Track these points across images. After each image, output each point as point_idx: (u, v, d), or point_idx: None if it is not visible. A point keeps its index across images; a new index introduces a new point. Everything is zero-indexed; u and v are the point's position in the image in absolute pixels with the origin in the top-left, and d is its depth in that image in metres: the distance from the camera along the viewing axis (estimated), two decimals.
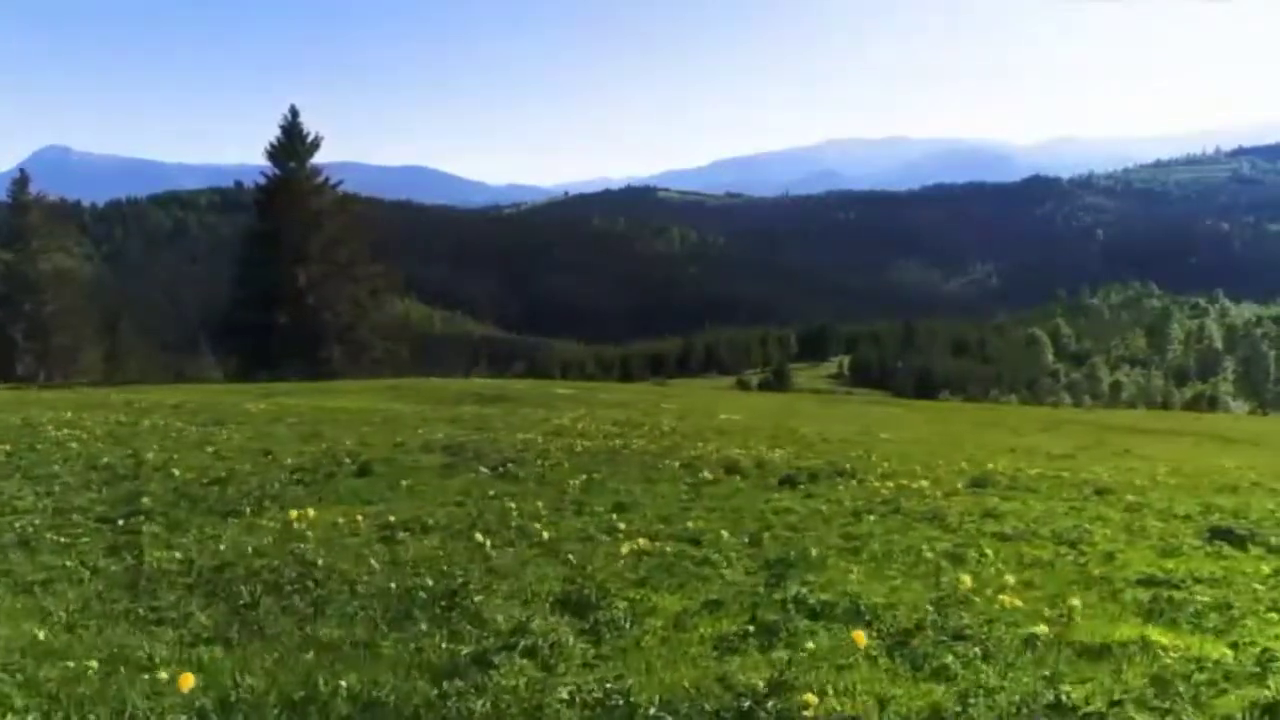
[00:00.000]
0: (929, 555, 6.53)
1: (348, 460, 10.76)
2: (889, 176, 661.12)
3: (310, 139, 50.81)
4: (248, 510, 6.84)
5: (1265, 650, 4.37)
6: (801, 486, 10.60)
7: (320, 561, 5.70)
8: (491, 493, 8.90)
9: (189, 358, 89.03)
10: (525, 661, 3.86)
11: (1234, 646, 4.54)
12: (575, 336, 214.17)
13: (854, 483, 10.86)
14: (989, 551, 6.81)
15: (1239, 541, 7.78)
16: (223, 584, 5.32)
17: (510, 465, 11.46)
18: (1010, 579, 5.75)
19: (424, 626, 4.47)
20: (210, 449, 11.46)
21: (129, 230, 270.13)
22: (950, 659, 4.03)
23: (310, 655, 4.08)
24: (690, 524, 7.47)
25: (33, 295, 54.03)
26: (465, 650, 4.02)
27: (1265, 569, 6.77)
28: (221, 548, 6.14)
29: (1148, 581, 6.17)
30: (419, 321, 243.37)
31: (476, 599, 4.79)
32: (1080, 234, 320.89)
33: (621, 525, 7.20)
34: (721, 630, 4.51)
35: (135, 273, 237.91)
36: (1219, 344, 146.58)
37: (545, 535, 6.63)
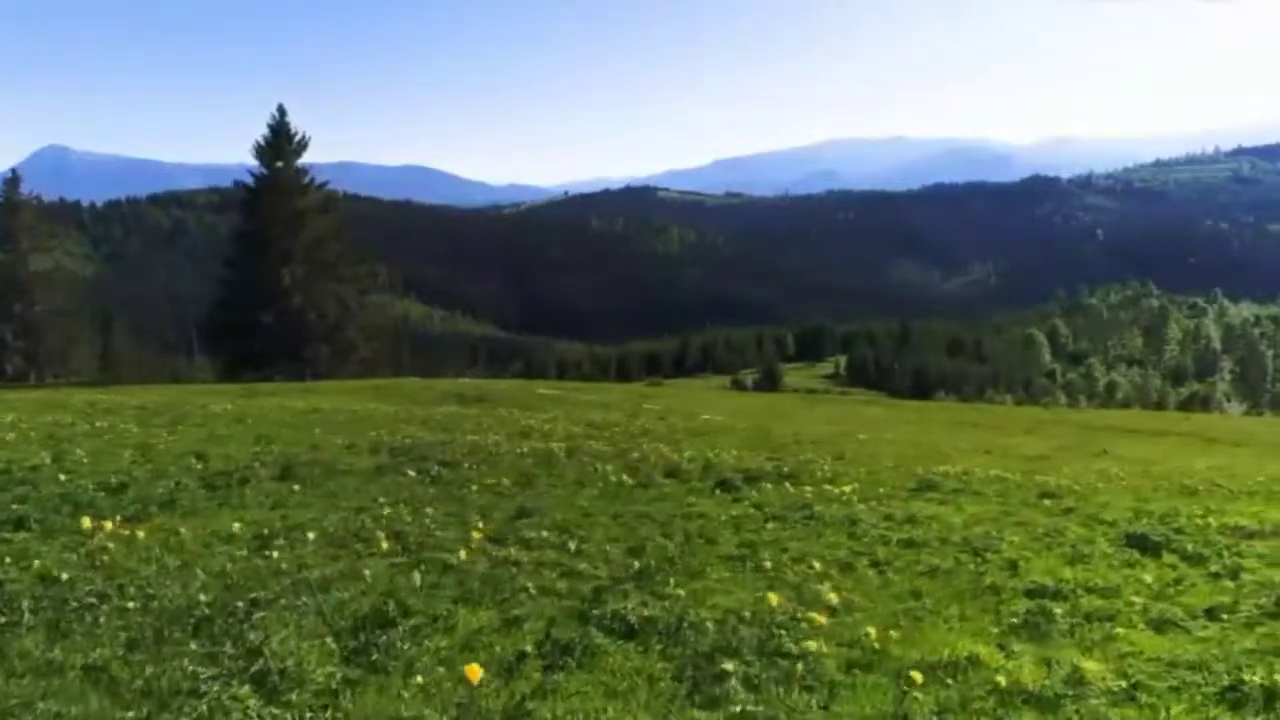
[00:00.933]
0: (816, 566, 6.39)
1: (273, 464, 10.61)
2: (889, 176, 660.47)
3: (298, 138, 50.58)
4: (118, 519, 6.67)
5: (1077, 670, 4.22)
6: (735, 490, 10.47)
7: (131, 577, 5.38)
8: (404, 496, 8.77)
9: (184, 358, 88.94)
10: (246, 689, 3.60)
11: (1047, 664, 4.39)
12: (574, 336, 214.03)
13: (787, 486, 10.72)
14: (883, 559, 6.67)
15: (1153, 548, 7.63)
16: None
17: (444, 469, 11.32)
18: (856, 597, 5.58)
19: (173, 649, 4.17)
20: (134, 453, 11.32)
21: (128, 230, 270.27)
22: (725, 686, 3.85)
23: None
24: (582, 530, 7.33)
25: (23, 295, 53.83)
26: (205, 674, 3.76)
27: (1167, 577, 6.64)
28: (36, 563, 5.77)
29: (1036, 592, 6.03)
30: (418, 321, 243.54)
31: (259, 616, 4.54)
32: (1080, 234, 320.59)
33: (498, 532, 7.02)
34: (503, 653, 4.31)
35: (134, 272, 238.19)
36: (1217, 344, 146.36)
37: (409, 543, 6.45)
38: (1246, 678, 3.94)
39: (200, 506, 7.89)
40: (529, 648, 4.24)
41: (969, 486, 12.05)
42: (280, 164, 49.71)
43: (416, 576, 5.46)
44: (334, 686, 3.35)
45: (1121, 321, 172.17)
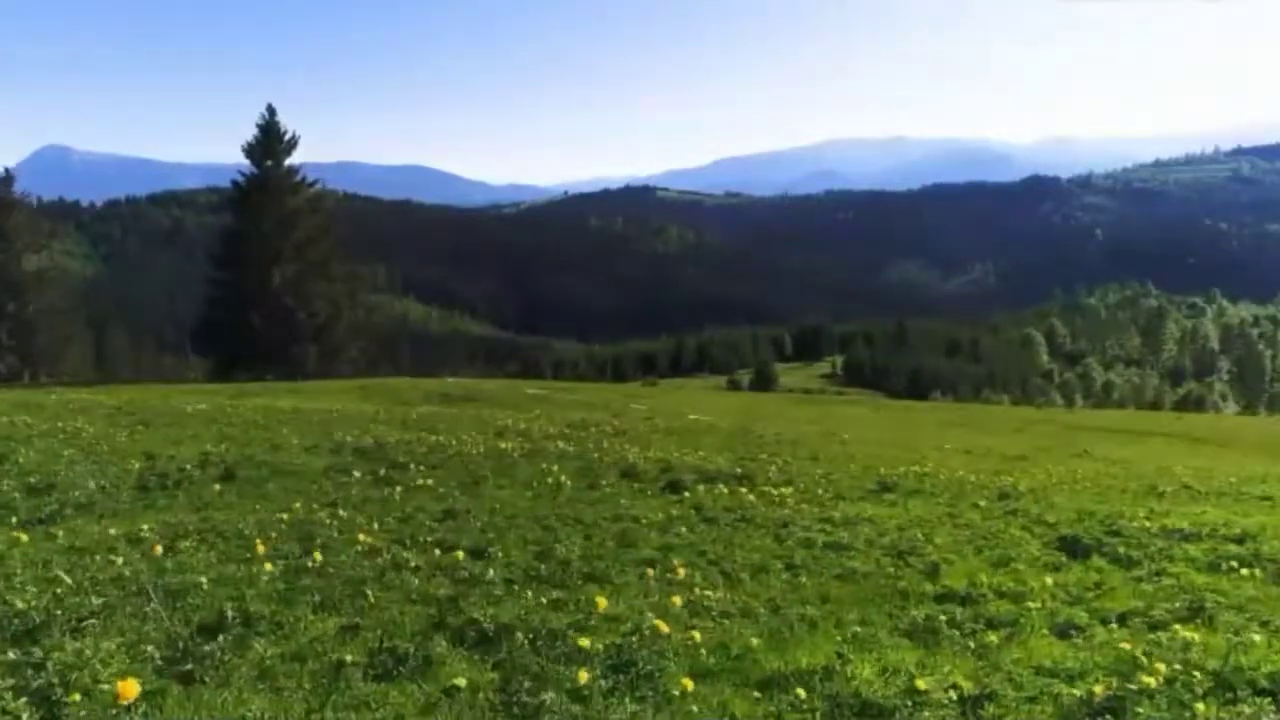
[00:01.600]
0: (728, 569, 6.32)
1: (219, 465, 10.54)
2: (889, 176, 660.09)
3: (288, 138, 50.50)
4: (14, 520, 6.58)
5: (945, 678, 4.13)
6: (682, 492, 10.42)
7: None
8: (338, 498, 8.71)
9: (181, 358, 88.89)
10: (22, 701, 3.39)
11: (890, 672, 4.29)
12: (573, 336, 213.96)
13: (741, 489, 10.70)
14: (800, 562, 6.60)
15: (1083, 551, 7.56)
16: None
17: (393, 470, 11.27)
18: (755, 602, 5.49)
19: None
20: (77, 453, 11.25)
21: (127, 229, 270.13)
22: (545, 698, 3.76)
23: None
24: (499, 534, 7.25)
25: (16, 295, 53.62)
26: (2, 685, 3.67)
27: (1088, 580, 6.56)
28: None
29: (947, 596, 5.96)
30: (417, 321, 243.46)
31: (91, 623, 4.36)
32: (1079, 234, 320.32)
33: (410, 535, 6.89)
34: (330, 661, 4.17)
35: (133, 272, 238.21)
36: (1214, 344, 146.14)
37: (312, 546, 6.36)
38: (1097, 690, 3.85)
39: (121, 508, 7.83)
40: (358, 657, 4.14)
41: (924, 488, 12.00)
42: (270, 163, 49.62)
43: (280, 582, 5.38)
44: (128, 700, 3.24)
45: (1120, 321, 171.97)
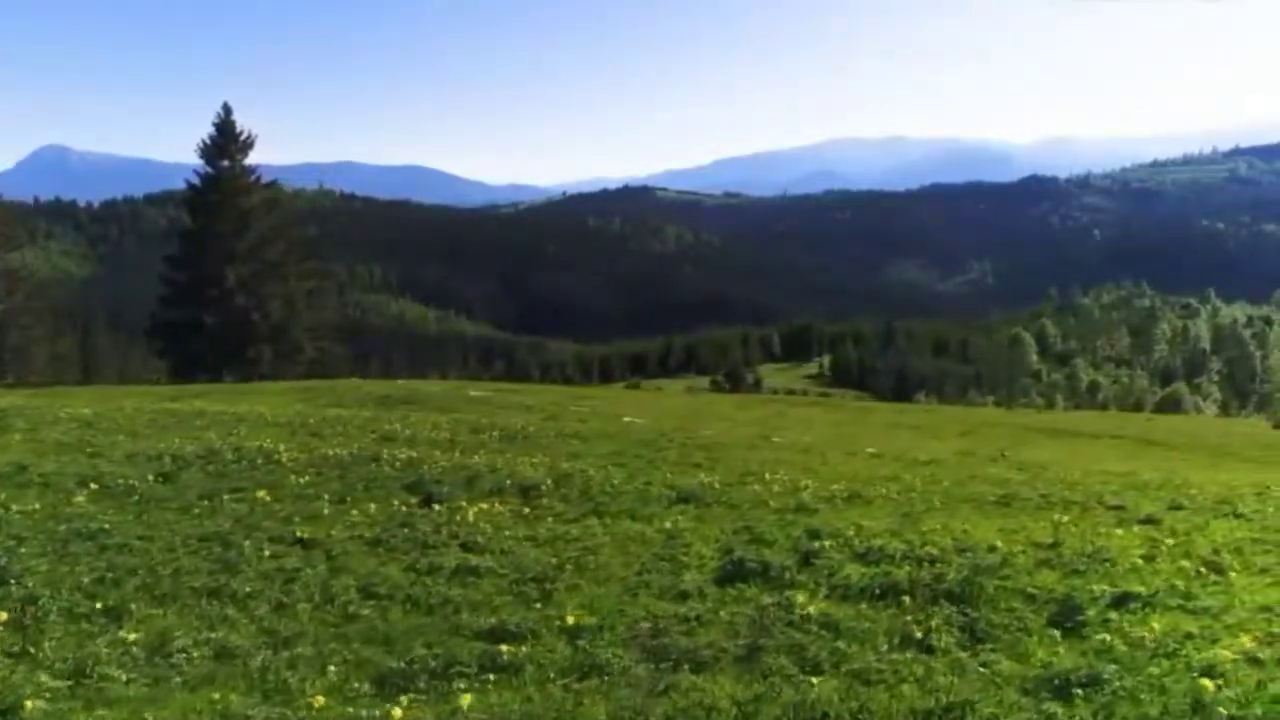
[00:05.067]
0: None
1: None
2: (888, 176, 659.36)
3: (244, 137, 49.95)
4: None
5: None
6: (430, 507, 10.00)
7: None
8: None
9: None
10: None
11: None
12: (569, 336, 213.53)
13: (505, 501, 10.16)
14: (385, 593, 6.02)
15: (746, 576, 7.03)
16: None
17: (161, 482, 10.61)
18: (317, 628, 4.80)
19: None
20: None
21: (125, 229, 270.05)
22: None
23: None
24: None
25: None
26: None
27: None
28: None
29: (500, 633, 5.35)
30: (414, 321, 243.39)
31: None
32: (1077, 234, 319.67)
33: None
34: None
35: (130, 272, 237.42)
36: (1206, 344, 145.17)
37: None
38: None
39: None
40: None
41: (726, 498, 11.38)
42: (226, 163, 49.11)
43: None
44: None
45: (1112, 322, 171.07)
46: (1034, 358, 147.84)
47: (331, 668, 5.14)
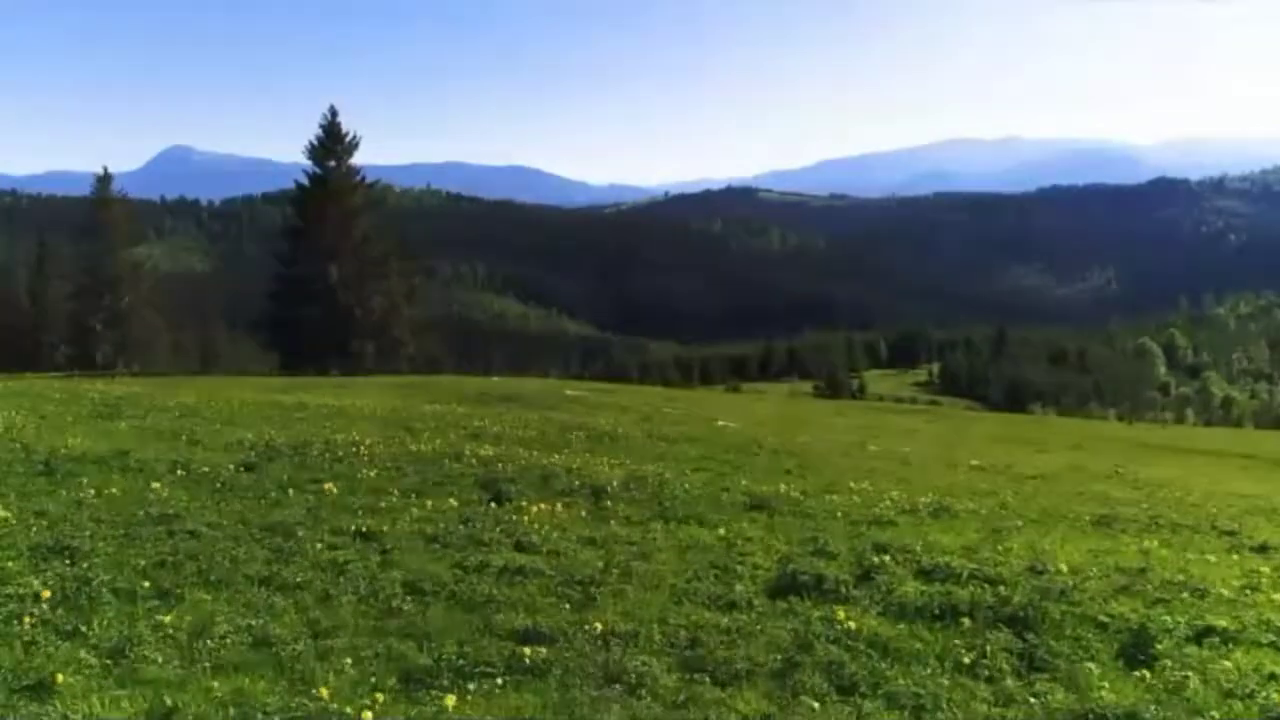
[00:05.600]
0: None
1: (59, 459, 10.50)
2: (1003, 178, 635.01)
3: (349, 139, 51.88)
4: None
5: None
6: (508, 501, 10.02)
7: None
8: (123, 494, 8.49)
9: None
10: None
11: None
12: (669, 337, 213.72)
13: (574, 501, 10.09)
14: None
15: (799, 589, 6.73)
16: None
17: (245, 473, 11.04)
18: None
19: None
20: None
21: (243, 226, 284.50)
22: None
23: None
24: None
25: (111, 288, 56.62)
26: None
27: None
28: None
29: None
30: (515, 319, 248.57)
31: None
32: (1210, 239, 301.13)
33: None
34: None
35: (247, 267, 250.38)
36: None
37: None
38: None
39: None
40: None
41: (803, 508, 11.04)
42: (332, 163, 51.06)
43: None
44: None
45: (1249, 334, 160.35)
46: (1161, 370, 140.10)
47: (355, 660, 5.17)
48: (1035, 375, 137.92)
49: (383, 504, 9.35)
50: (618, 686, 4.97)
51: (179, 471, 10.47)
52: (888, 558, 7.67)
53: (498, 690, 4.88)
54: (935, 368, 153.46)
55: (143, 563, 6.53)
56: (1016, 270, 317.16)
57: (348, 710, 4.28)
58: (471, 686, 4.90)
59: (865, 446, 26.17)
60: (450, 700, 4.50)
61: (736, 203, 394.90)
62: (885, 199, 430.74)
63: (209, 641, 5.26)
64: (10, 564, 6.18)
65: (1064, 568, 7.39)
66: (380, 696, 4.63)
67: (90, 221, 58.43)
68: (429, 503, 9.58)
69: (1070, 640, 5.69)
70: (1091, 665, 5.27)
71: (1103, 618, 6.06)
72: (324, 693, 4.48)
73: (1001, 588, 6.65)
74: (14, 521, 7.32)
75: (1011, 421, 55.69)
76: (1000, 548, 8.45)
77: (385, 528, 8.21)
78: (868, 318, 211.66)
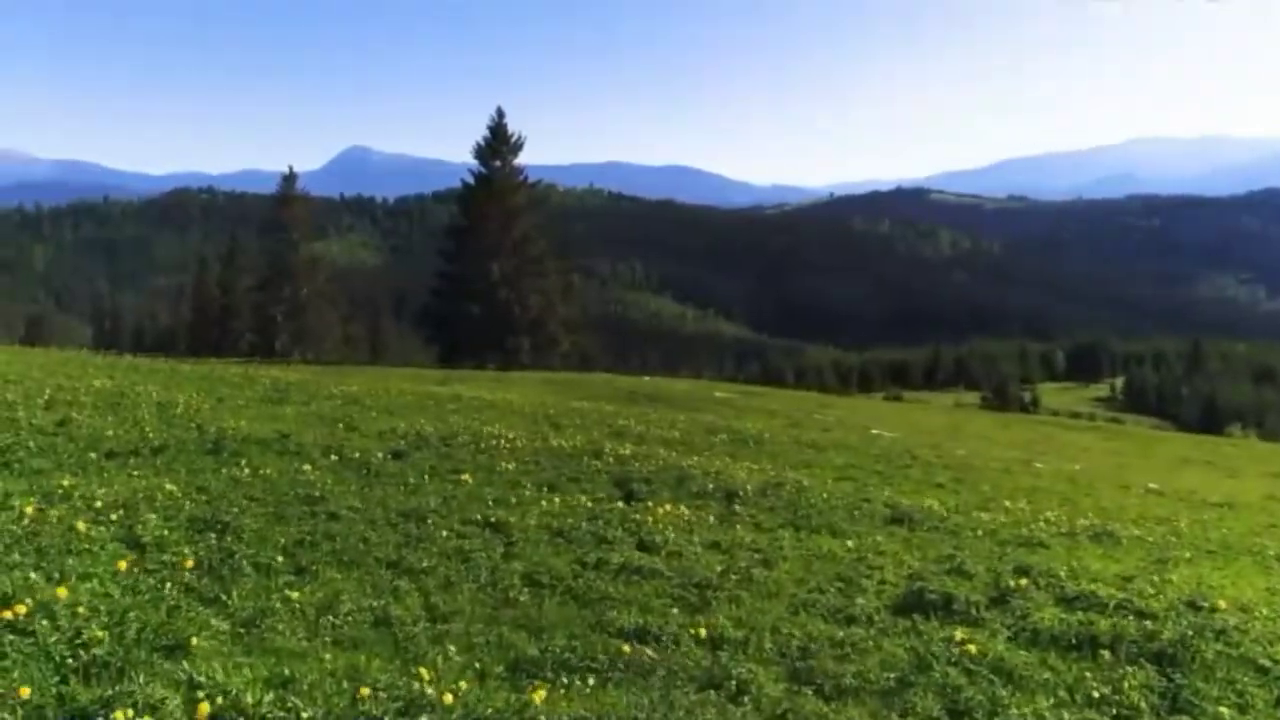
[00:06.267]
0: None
1: (218, 439, 11.36)
2: (1202, 180, 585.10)
3: (514, 139, 53.55)
4: None
5: None
6: (636, 499, 10.02)
7: None
8: (245, 472, 9.18)
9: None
10: None
11: None
12: (827, 341, 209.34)
13: (667, 501, 10.05)
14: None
15: (925, 608, 6.36)
16: None
17: (393, 460, 11.59)
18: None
19: None
20: (96, 413, 12.58)
21: (414, 224, 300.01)
22: None
23: None
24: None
25: (291, 280, 60.87)
26: None
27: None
28: None
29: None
30: (671, 318, 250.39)
31: None
32: None
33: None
34: None
35: (417, 263, 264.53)
36: None
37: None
38: None
39: (32, 466, 8.67)
40: None
41: (948, 524, 10.47)
42: (498, 163, 52.96)
43: None
44: None
45: None
46: None
47: (467, 646, 5.30)
48: (1235, 394, 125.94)
49: (514, 497, 9.58)
50: (719, 692, 4.89)
51: (332, 456, 11.09)
52: (1028, 581, 7.16)
53: (591, 687, 4.89)
54: (1119, 382, 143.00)
55: (284, 540, 6.95)
56: (1216, 279, 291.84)
57: (441, 692, 4.38)
58: (567, 681, 4.93)
59: (1030, 464, 24.67)
60: (539, 694, 4.53)
61: (905, 204, 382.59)
62: (1069, 201, 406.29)
63: (333, 618, 5.52)
64: (169, 534, 6.72)
65: (1230, 604, 6.66)
66: (476, 683, 4.73)
67: (275, 217, 62.36)
68: (560, 498, 9.74)
69: (1221, 683, 5.14)
70: (1241, 711, 4.71)
71: (1264, 661, 5.43)
72: (424, 673, 4.61)
73: (1151, 621, 6.06)
74: (179, 495, 7.96)
75: (1202, 443, 50.91)
76: (1159, 579, 7.72)
77: (514, 520, 8.40)
78: (1044, 327, 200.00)
